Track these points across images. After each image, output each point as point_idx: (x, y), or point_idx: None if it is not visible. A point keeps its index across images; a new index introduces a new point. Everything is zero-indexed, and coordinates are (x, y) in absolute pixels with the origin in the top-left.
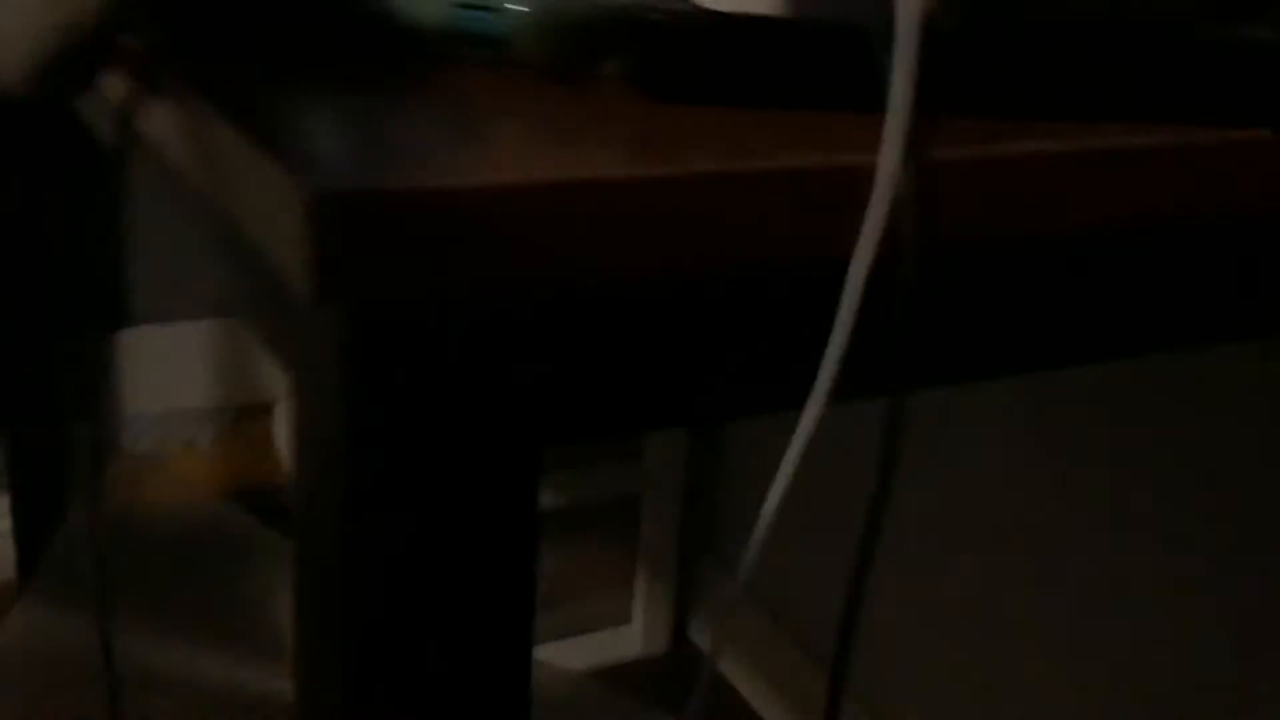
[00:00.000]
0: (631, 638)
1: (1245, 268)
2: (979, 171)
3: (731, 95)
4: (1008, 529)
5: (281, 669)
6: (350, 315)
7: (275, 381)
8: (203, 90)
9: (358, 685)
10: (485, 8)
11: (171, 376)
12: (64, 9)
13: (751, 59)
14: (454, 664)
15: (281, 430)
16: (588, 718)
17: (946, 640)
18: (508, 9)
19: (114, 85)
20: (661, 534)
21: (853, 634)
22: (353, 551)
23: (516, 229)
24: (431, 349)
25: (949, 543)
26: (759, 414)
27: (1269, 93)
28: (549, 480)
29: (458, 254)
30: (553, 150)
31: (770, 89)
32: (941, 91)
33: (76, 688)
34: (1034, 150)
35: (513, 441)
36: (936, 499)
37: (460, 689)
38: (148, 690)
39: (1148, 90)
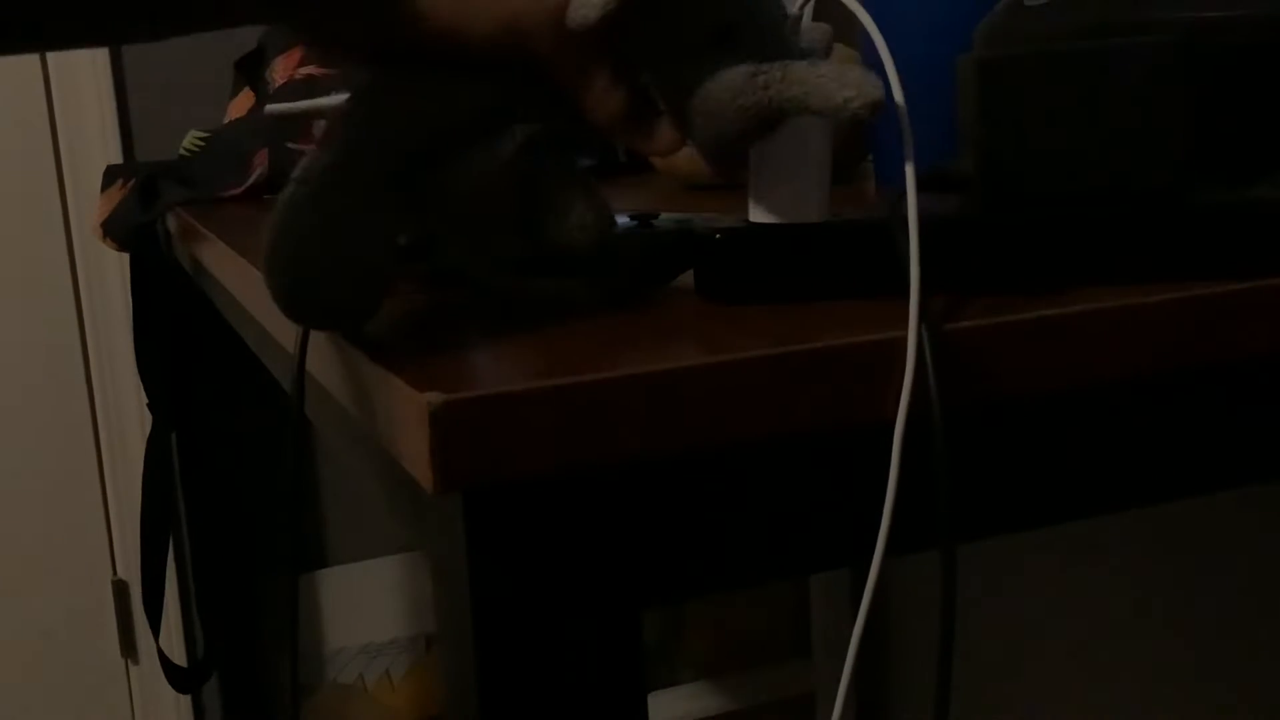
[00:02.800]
0: None
1: (1264, 407)
2: (995, 336)
3: (784, 294)
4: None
5: None
6: (468, 501)
7: None
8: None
9: None
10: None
11: (366, 611)
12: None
13: (799, 262)
14: None
15: None
16: None
17: None
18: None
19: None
20: None
21: None
22: (485, 708)
23: (597, 417)
24: (540, 524)
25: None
26: (825, 569)
27: (1270, 244)
28: (722, 683)
29: (550, 442)
30: (629, 352)
31: (819, 284)
32: (960, 271)
33: None
34: (1045, 315)
35: (616, 600)
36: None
37: None
38: None
39: (1151, 253)
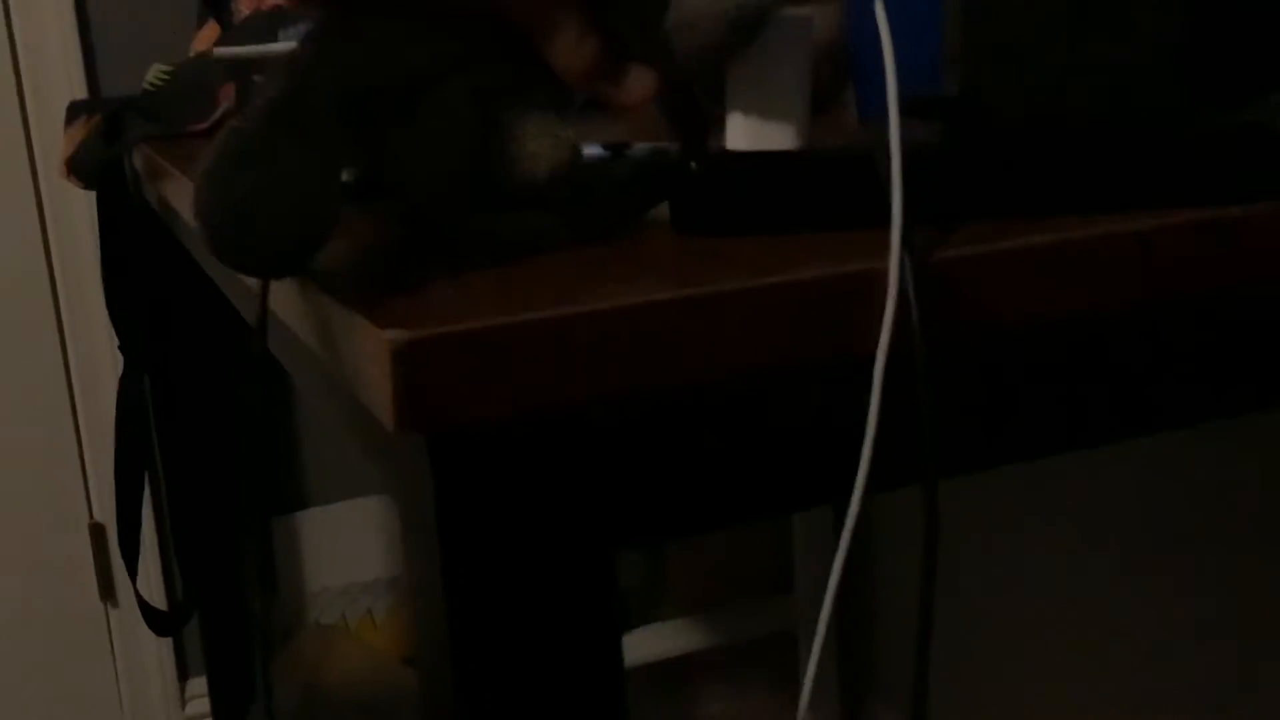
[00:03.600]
0: None
1: (1258, 334)
2: (979, 266)
3: (762, 225)
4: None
5: None
6: (434, 443)
7: None
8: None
9: None
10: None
11: (348, 552)
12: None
13: (778, 192)
14: None
15: None
16: None
17: None
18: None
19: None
20: (820, 670)
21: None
22: (458, 653)
23: (568, 354)
24: (509, 466)
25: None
26: (811, 505)
27: (1250, 171)
28: (704, 620)
29: (519, 381)
30: (602, 285)
31: (799, 215)
32: (941, 200)
33: None
34: (1025, 244)
35: (589, 542)
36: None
37: None
38: None
39: (1127, 182)
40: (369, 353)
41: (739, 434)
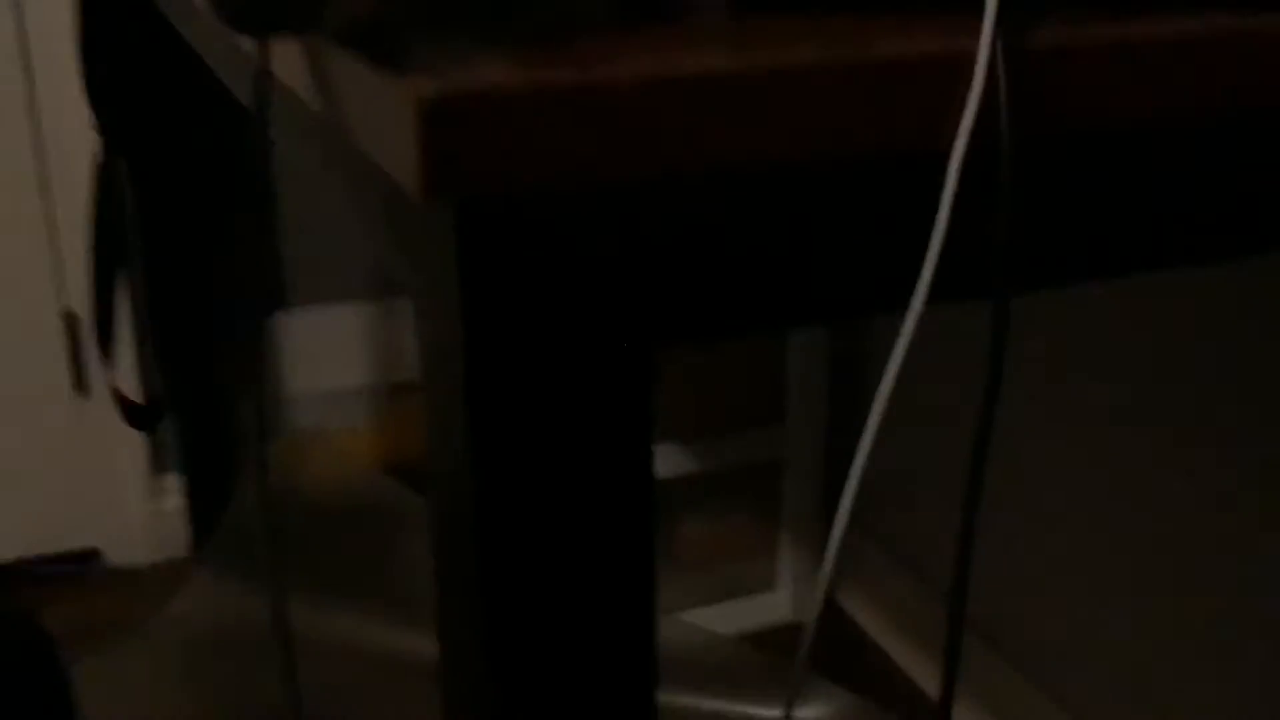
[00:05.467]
0: (778, 603)
1: None
2: (1077, 57)
3: (832, 1)
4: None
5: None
6: (461, 213)
7: None
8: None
9: (494, 616)
10: None
11: (330, 357)
12: None
13: None
14: (582, 584)
15: None
16: (740, 679)
17: (1075, 580)
18: None
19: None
20: (805, 499)
21: (968, 565)
22: (478, 450)
23: (615, 121)
24: (543, 244)
25: (1082, 480)
26: (865, 314)
27: None
28: (690, 447)
29: (557, 149)
30: (657, 56)
31: None
32: None
33: (248, 656)
34: (1132, 35)
35: (627, 335)
36: (1064, 435)
37: (590, 602)
38: (315, 656)
39: None
40: (394, 111)
41: (793, 226)
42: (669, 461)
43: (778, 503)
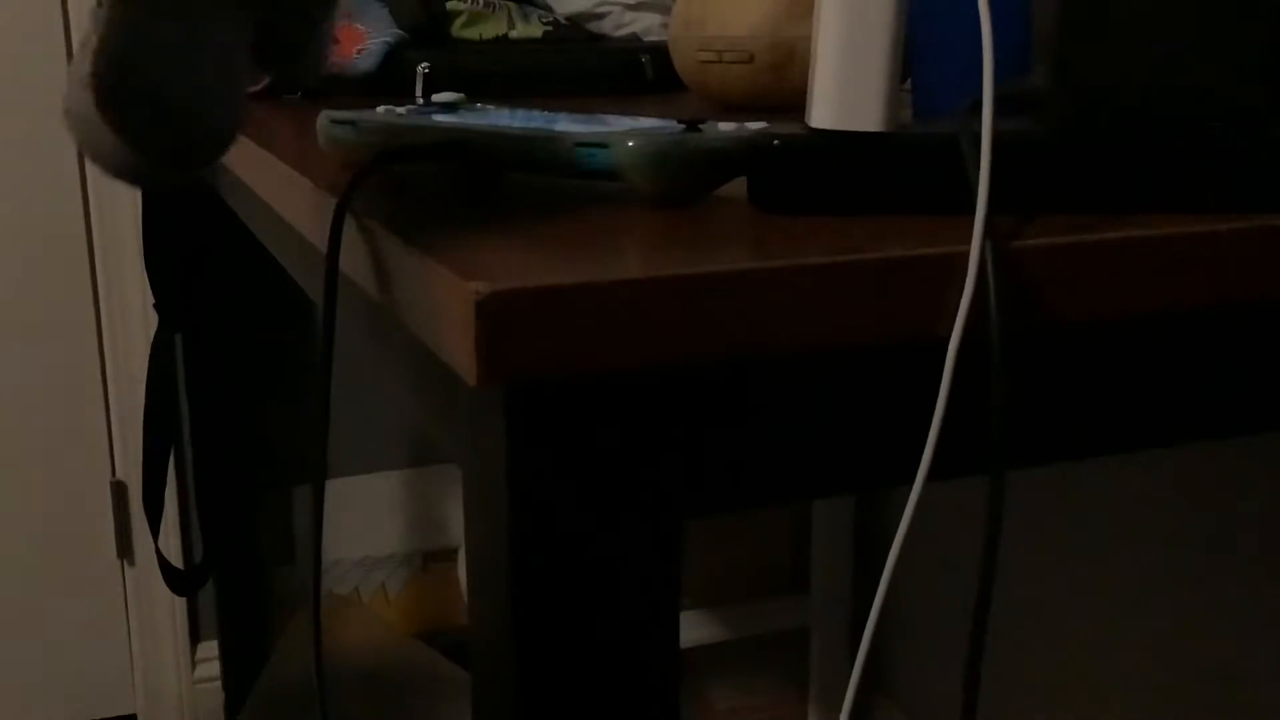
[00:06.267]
0: None
1: None
2: (1061, 257)
3: (842, 206)
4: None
5: None
6: (511, 397)
7: (461, 528)
8: (385, 226)
9: None
10: (602, 145)
11: (365, 525)
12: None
13: (861, 173)
14: None
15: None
16: None
17: None
18: (624, 145)
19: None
20: (832, 667)
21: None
22: (518, 614)
23: (646, 317)
24: (581, 424)
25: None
26: (876, 487)
27: None
28: (719, 614)
29: (597, 340)
30: (681, 253)
31: (879, 197)
32: (1024, 190)
33: None
34: (1107, 238)
35: (658, 508)
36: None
37: None
38: None
39: (1229, 181)
40: (451, 304)
41: (809, 409)
42: (698, 629)
43: (806, 670)
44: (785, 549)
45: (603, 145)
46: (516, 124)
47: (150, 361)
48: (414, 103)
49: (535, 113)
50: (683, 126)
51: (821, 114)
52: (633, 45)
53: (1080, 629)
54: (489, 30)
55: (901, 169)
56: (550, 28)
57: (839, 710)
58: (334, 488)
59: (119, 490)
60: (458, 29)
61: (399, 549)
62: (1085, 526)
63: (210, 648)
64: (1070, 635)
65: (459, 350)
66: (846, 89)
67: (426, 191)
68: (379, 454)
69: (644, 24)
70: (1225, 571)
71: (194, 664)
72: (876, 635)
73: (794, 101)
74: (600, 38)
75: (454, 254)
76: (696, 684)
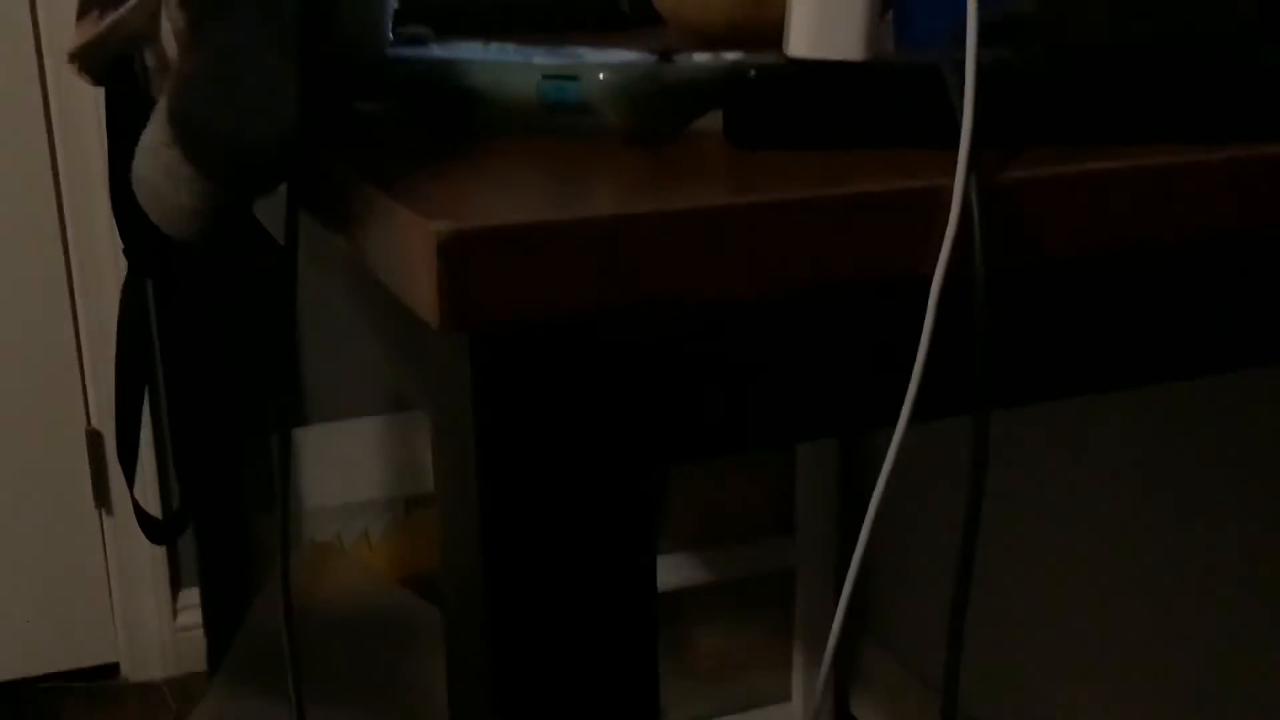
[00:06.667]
0: (792, 714)
1: None
2: (1045, 189)
3: (822, 139)
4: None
5: None
6: (477, 342)
7: None
8: (345, 166)
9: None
10: (571, 77)
11: (346, 471)
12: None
13: (840, 104)
14: (590, 689)
15: None
16: None
17: (1087, 681)
18: (594, 77)
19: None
20: (817, 609)
21: (958, 663)
22: (490, 560)
23: (616, 257)
24: (549, 368)
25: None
26: (859, 430)
27: None
28: (703, 557)
29: (565, 282)
30: (654, 190)
31: (859, 130)
32: (1009, 121)
33: None
34: (1097, 168)
35: (630, 454)
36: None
37: (599, 709)
38: None
39: (1201, 111)
40: (413, 246)
41: (786, 349)
42: (682, 572)
43: (792, 613)
44: (770, 491)
45: (572, 78)
46: (487, 58)
47: (120, 308)
48: None
49: (507, 46)
50: (655, 58)
51: (799, 43)
52: None
53: (1071, 569)
54: None
55: (882, 100)
56: None
57: (824, 653)
58: (315, 433)
59: (94, 439)
60: None
61: (381, 494)
62: (1081, 468)
63: (191, 595)
64: (1064, 579)
65: (422, 293)
66: (825, 16)
67: (394, 131)
68: (360, 399)
69: None
70: (1224, 534)
71: (175, 612)
72: (863, 578)
73: (775, 34)
74: None
75: (417, 194)
76: (681, 627)
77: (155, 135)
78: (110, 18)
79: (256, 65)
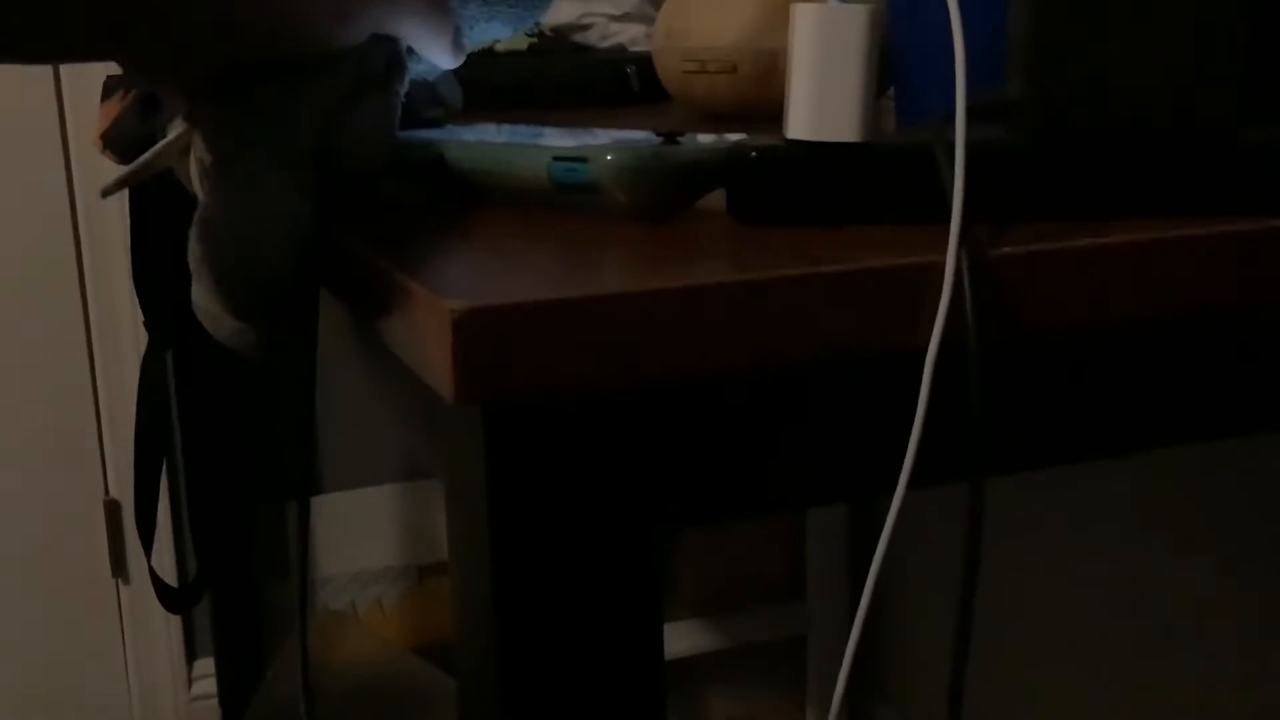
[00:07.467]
0: None
1: None
2: (1036, 264)
3: (820, 216)
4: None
5: None
6: (490, 415)
7: None
8: (362, 245)
9: None
10: (580, 159)
11: (360, 539)
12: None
13: (837, 183)
14: None
15: None
16: None
17: None
18: (601, 159)
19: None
20: (829, 673)
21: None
22: (502, 627)
23: (624, 333)
24: (562, 442)
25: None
26: (860, 497)
27: None
28: (716, 622)
29: (574, 357)
30: (658, 267)
31: (856, 207)
32: (1000, 198)
33: None
34: (1081, 245)
35: (636, 522)
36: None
37: None
38: None
39: (1186, 188)
40: (428, 323)
41: (789, 418)
42: (694, 638)
43: (804, 678)
44: (781, 557)
45: (581, 159)
46: (500, 139)
47: (141, 379)
48: None
49: (519, 127)
50: (661, 139)
51: (797, 126)
52: (618, 56)
53: (1074, 631)
54: None
55: (877, 179)
56: (536, 40)
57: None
58: (329, 502)
59: (112, 509)
60: None
61: (394, 563)
62: (1081, 529)
63: (206, 665)
64: (1065, 638)
65: (437, 369)
66: (821, 100)
67: (409, 210)
68: (374, 468)
69: (629, 35)
70: (1217, 572)
71: (190, 682)
72: (876, 642)
73: (780, 111)
74: (586, 49)
75: (431, 273)
76: (693, 693)
77: (192, 266)
78: (147, 153)
79: (273, 203)
